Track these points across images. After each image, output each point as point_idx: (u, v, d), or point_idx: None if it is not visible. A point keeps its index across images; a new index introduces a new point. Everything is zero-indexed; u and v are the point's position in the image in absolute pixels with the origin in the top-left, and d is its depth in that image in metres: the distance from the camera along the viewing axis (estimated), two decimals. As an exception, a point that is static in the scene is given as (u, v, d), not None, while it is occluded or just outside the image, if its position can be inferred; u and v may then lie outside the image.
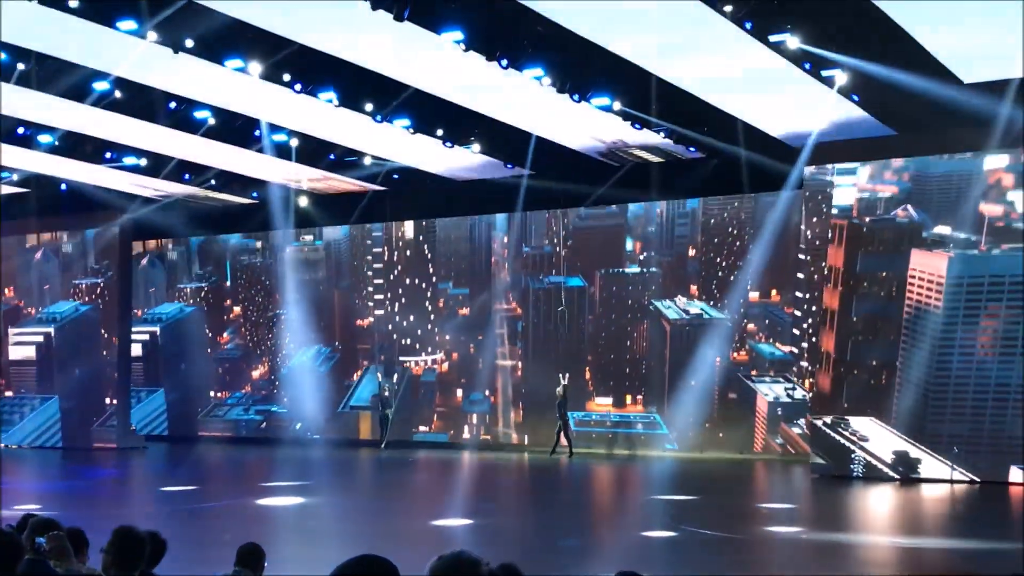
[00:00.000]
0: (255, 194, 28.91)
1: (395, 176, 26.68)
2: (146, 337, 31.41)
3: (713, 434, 25.32)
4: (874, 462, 20.96)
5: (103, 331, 29.94)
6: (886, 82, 17.68)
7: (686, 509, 18.06)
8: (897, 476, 20.67)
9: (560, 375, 25.82)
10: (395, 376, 28.94)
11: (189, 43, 16.87)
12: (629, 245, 27.01)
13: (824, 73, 17.66)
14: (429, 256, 29.26)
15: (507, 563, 5.67)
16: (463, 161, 24.38)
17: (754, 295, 25.37)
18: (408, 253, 29.48)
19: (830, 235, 22.25)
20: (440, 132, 22.09)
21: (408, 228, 29.56)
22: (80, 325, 30.46)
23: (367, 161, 25.29)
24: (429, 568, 3.71)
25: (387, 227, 29.63)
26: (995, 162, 20.56)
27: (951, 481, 20.16)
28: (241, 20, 16.83)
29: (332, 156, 24.83)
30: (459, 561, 3.74)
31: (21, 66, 18.38)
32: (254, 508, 18.55)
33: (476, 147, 22.97)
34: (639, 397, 26.45)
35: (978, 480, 20.00)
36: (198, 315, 31.91)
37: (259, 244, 31.46)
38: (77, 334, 30.45)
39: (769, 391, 24.90)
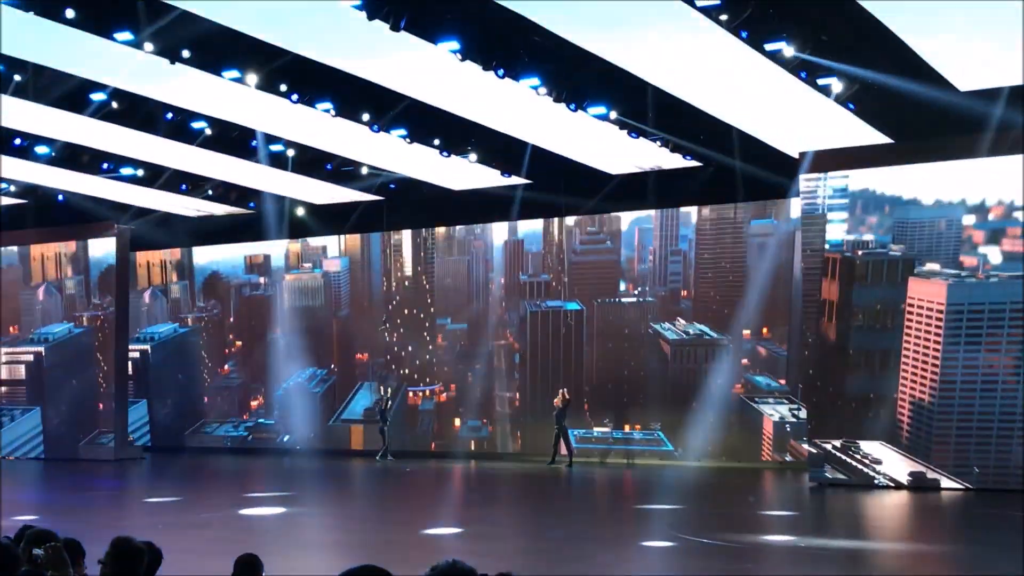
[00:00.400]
0: (252, 204, 28.97)
1: (392, 186, 26.74)
2: (136, 355, 31.38)
3: (719, 449, 25.36)
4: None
5: (97, 354, 30.02)
6: (882, 90, 17.73)
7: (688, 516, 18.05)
8: (903, 484, 20.62)
9: (561, 390, 25.85)
10: (390, 389, 28.94)
11: (186, 53, 16.91)
12: (623, 287, 27.51)
13: (820, 82, 17.70)
14: (428, 288, 29.49)
15: (504, 573, 5.65)
16: (460, 170, 24.40)
17: (747, 331, 25.54)
18: (407, 284, 29.73)
19: (823, 269, 22.38)
20: (437, 142, 22.14)
21: (407, 261, 29.72)
22: (73, 346, 30.56)
23: (364, 171, 25.35)
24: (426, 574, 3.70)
25: (385, 260, 29.83)
26: (969, 219, 20.75)
27: (954, 490, 20.14)
28: (238, 31, 16.87)
29: (329, 166, 24.88)
30: (453, 571, 3.74)
31: (18, 77, 18.41)
32: (243, 517, 18.50)
33: (473, 156, 23.02)
34: (637, 424, 26.59)
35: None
36: (193, 337, 32.06)
37: (262, 280, 31.57)
38: (69, 354, 30.55)
39: (774, 411, 25.03)
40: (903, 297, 21.13)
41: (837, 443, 21.50)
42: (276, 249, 31.02)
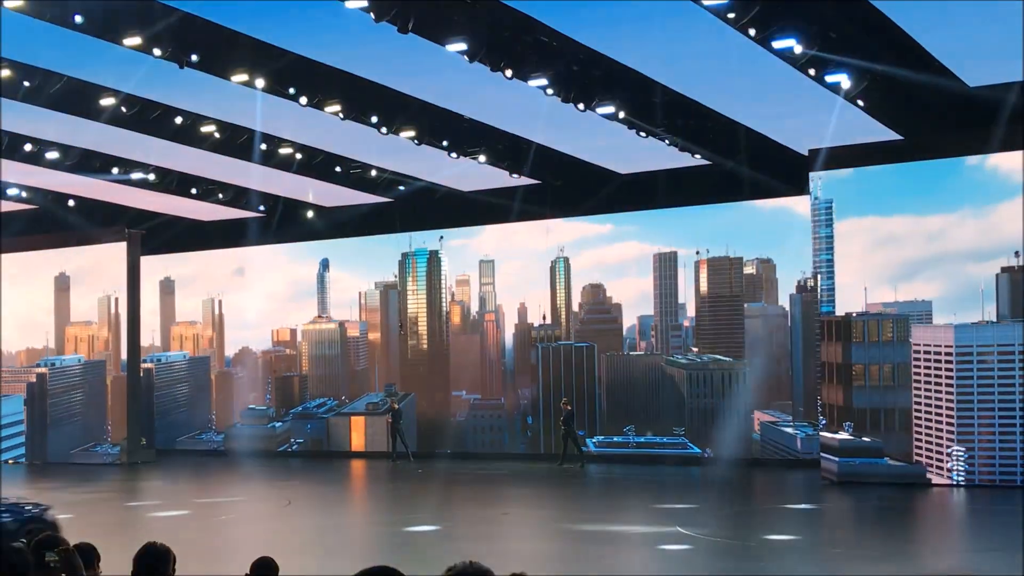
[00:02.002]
0: (262, 208, 29.02)
1: (401, 188, 26.73)
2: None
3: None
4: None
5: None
6: (891, 87, 17.69)
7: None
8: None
9: (563, 400, 26.35)
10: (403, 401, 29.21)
11: (195, 58, 16.94)
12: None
13: (829, 79, 17.65)
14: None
15: (518, 573, 5.65)
16: (468, 170, 24.37)
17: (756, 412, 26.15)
18: (424, 347, 30.11)
19: (823, 333, 22.65)
20: (445, 143, 22.13)
21: (424, 338, 30.12)
22: (79, 369, 31.05)
23: (373, 173, 25.37)
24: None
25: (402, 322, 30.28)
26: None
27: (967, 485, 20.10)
28: (247, 35, 16.90)
29: (339, 168, 24.91)
30: (470, 571, 3.74)
31: (27, 83, 18.46)
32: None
33: (482, 157, 23.01)
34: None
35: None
36: (203, 362, 32.62)
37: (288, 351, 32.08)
38: (75, 375, 31.01)
39: (797, 431, 25.39)
40: (901, 355, 21.34)
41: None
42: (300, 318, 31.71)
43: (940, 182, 21.30)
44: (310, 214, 29.27)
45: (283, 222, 29.15)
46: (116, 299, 30.30)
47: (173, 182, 25.76)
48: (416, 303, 30.08)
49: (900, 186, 21.64)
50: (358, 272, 31.05)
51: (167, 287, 33.18)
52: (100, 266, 30.49)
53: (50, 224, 29.27)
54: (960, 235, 21.18)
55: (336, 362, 31.08)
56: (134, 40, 16.15)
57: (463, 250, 29.72)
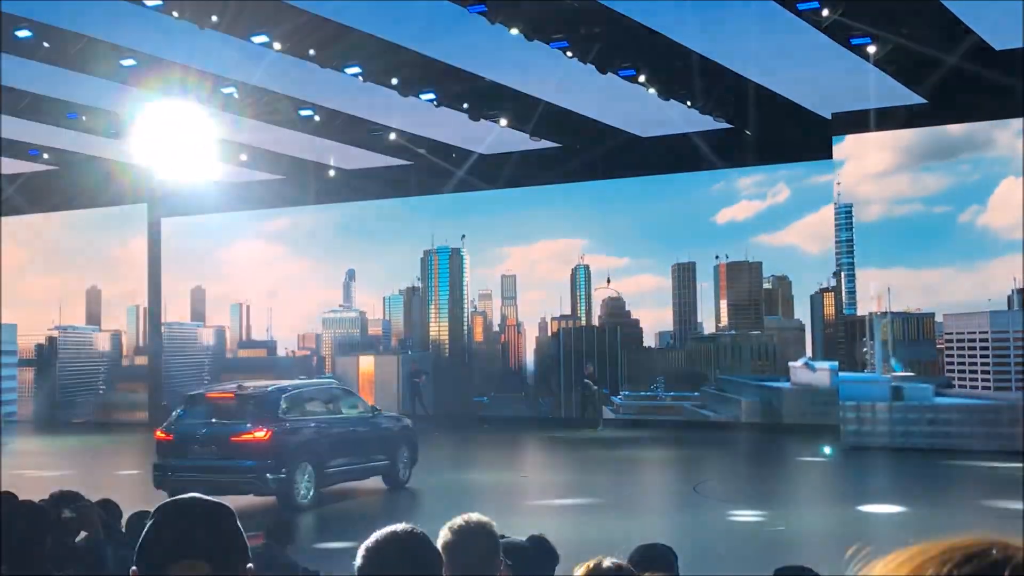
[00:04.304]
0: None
1: (421, 150, 26.58)
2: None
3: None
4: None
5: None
6: (916, 49, 17.49)
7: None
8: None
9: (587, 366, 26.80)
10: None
11: (214, 19, 16.87)
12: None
13: (854, 42, 17.47)
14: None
15: (536, 535, 5.69)
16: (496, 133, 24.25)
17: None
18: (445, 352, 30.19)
19: (846, 334, 22.79)
20: (465, 105, 22.00)
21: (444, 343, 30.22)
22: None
23: (392, 136, 25.25)
24: (444, 533, 3.70)
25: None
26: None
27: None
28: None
29: (359, 130, 24.82)
30: (468, 528, 3.74)
31: (46, 44, 18.44)
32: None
33: (503, 121, 22.86)
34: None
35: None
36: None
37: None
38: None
39: None
40: (927, 353, 21.29)
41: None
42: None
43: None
44: (331, 173, 29.14)
45: (303, 184, 29.11)
46: (145, 308, 30.72)
47: (193, 144, 25.70)
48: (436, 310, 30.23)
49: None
50: (381, 278, 31.18)
51: (197, 295, 33.17)
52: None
53: (71, 185, 29.34)
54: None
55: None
56: (154, 0, 16.13)
57: (484, 251, 29.78)
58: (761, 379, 25.98)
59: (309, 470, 15.10)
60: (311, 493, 15.10)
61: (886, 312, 21.70)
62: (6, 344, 30.90)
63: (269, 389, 15.81)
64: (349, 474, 16.20)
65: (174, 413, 15.91)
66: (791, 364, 25.63)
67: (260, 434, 14.69)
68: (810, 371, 24.56)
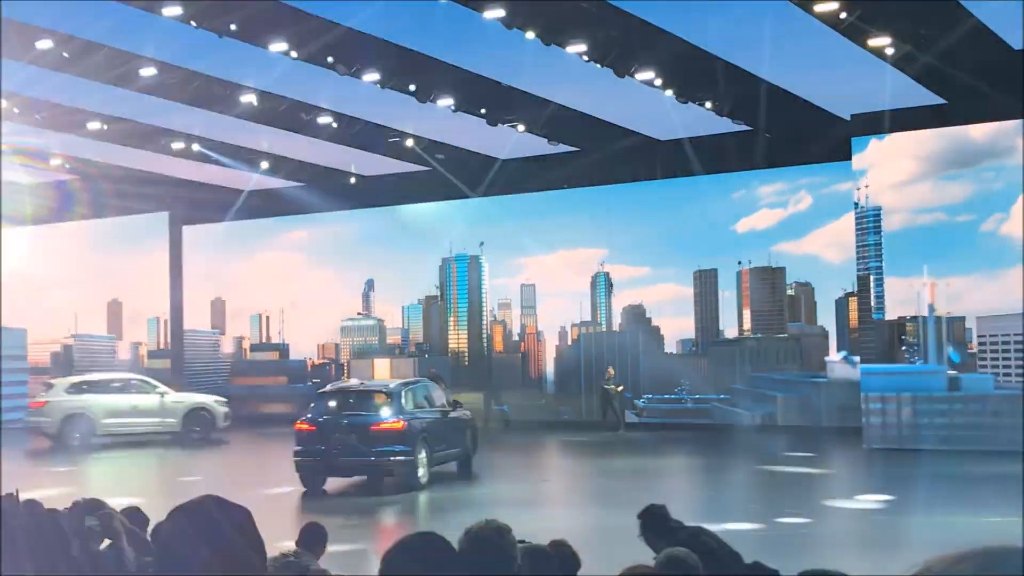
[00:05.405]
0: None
1: (439, 156, 26.63)
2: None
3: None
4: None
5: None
6: (934, 49, 17.44)
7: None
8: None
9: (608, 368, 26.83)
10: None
11: (232, 27, 16.97)
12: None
13: (872, 43, 17.43)
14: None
15: (559, 540, 5.69)
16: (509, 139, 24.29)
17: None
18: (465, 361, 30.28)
19: (875, 338, 22.59)
20: (483, 110, 22.05)
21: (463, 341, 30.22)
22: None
23: (409, 143, 25.30)
24: (461, 538, 3.72)
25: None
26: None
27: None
28: (284, 3, 16.91)
29: (378, 138, 24.90)
30: (489, 531, 3.76)
31: (66, 54, 18.56)
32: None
33: (520, 127, 22.90)
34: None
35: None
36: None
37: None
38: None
39: None
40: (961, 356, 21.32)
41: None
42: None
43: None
44: (352, 180, 29.23)
45: (324, 191, 29.21)
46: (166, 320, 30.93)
47: (215, 152, 25.87)
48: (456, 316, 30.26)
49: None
50: (400, 287, 31.22)
51: (217, 307, 33.30)
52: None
53: (91, 194, 29.52)
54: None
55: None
56: (174, 10, 16.23)
57: (503, 260, 29.79)
58: (796, 375, 25.86)
59: (424, 454, 17.50)
60: (427, 474, 17.54)
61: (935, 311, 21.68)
62: (16, 349, 31.30)
63: (392, 386, 18.36)
64: (445, 459, 18.60)
65: (311, 406, 18.39)
66: (827, 359, 25.48)
67: (397, 424, 17.18)
68: (849, 365, 24.23)
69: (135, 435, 25.20)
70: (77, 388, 25.37)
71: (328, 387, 19.64)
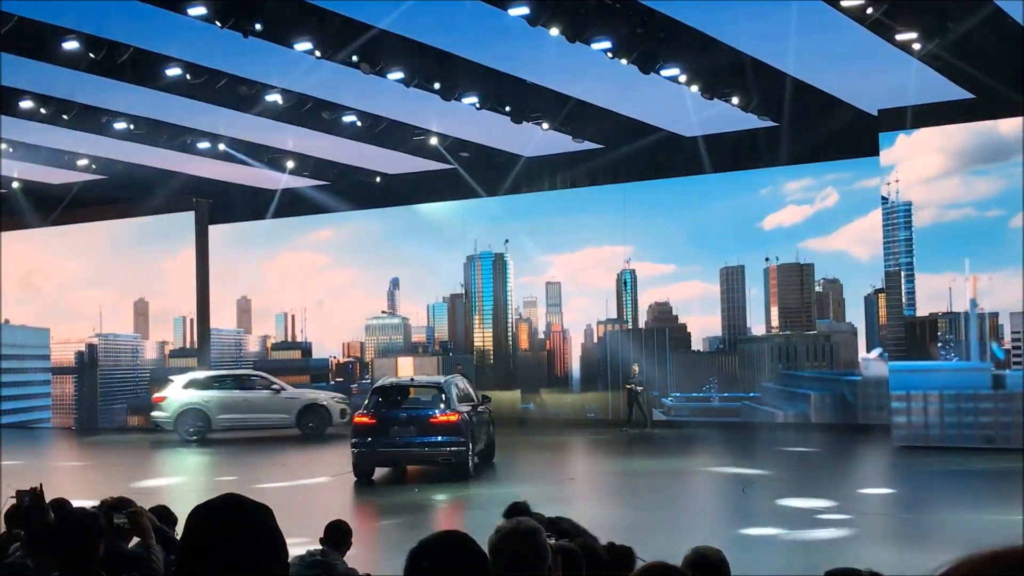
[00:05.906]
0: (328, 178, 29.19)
1: (464, 154, 26.62)
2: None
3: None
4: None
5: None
6: (961, 43, 17.28)
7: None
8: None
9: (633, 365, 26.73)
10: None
11: (258, 27, 16.99)
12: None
13: (899, 38, 17.29)
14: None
15: (558, 517, 5.69)
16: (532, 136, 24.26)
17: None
18: (490, 360, 30.27)
19: (905, 334, 22.38)
20: (508, 108, 22.02)
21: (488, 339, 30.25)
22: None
23: (433, 141, 25.29)
24: (492, 537, 3.69)
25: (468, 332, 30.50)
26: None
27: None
28: (308, 2, 16.93)
29: (403, 136, 24.91)
30: (520, 530, 3.73)
31: (92, 55, 18.62)
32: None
33: (545, 124, 22.86)
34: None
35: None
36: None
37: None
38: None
39: None
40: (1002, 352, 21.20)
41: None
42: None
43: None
44: (377, 179, 29.26)
45: (348, 189, 29.27)
46: (192, 320, 31.03)
47: (238, 151, 25.94)
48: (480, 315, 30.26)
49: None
50: (424, 286, 31.25)
51: (243, 305, 33.38)
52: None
53: (118, 194, 29.62)
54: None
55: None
56: (199, 10, 16.27)
57: (528, 259, 29.71)
58: (827, 373, 25.71)
59: (472, 445, 18.63)
60: (475, 464, 18.74)
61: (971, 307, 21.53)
62: (39, 349, 31.57)
63: (443, 382, 19.40)
64: (479, 451, 19.50)
65: (366, 401, 19.47)
66: (862, 356, 25.33)
67: (453, 417, 18.28)
68: (884, 362, 23.94)
69: (248, 429, 26.14)
70: (195, 383, 26.42)
71: (381, 382, 20.55)
